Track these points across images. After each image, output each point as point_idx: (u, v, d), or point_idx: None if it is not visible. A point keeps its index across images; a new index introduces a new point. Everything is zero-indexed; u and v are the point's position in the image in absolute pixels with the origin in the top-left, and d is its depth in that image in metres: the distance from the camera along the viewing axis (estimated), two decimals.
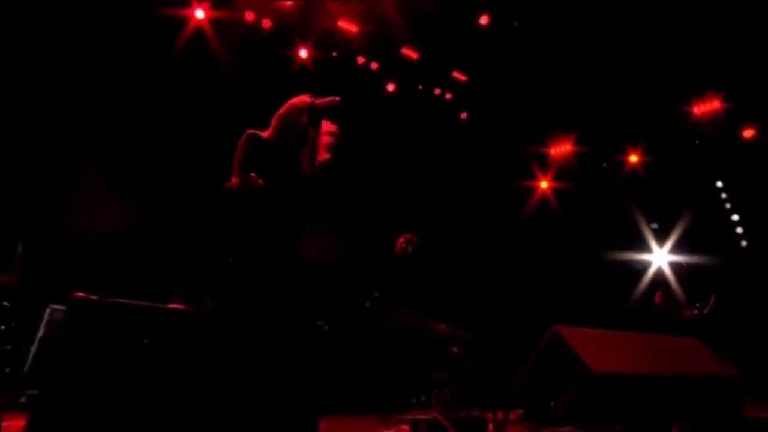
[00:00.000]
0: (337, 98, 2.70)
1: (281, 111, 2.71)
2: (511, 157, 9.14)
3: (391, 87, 8.22)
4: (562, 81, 7.94)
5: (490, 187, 8.77)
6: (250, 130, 2.75)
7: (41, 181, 5.18)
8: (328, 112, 2.67)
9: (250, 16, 7.01)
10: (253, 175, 2.42)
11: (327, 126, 2.68)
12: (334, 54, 7.71)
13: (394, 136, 8.11)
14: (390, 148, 8.04)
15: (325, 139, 2.66)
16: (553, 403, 2.50)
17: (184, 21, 6.55)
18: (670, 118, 8.63)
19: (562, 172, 9.36)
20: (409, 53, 8.05)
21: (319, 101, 2.71)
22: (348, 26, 7.61)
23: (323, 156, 2.69)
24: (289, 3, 7.08)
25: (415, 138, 8.29)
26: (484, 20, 7.39)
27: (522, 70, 7.85)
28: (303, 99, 2.71)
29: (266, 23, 7.14)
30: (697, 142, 8.88)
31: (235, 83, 6.61)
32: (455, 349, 3.21)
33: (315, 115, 2.67)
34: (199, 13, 6.68)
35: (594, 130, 8.82)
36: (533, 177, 9.56)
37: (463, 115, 8.75)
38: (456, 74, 8.29)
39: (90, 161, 5.47)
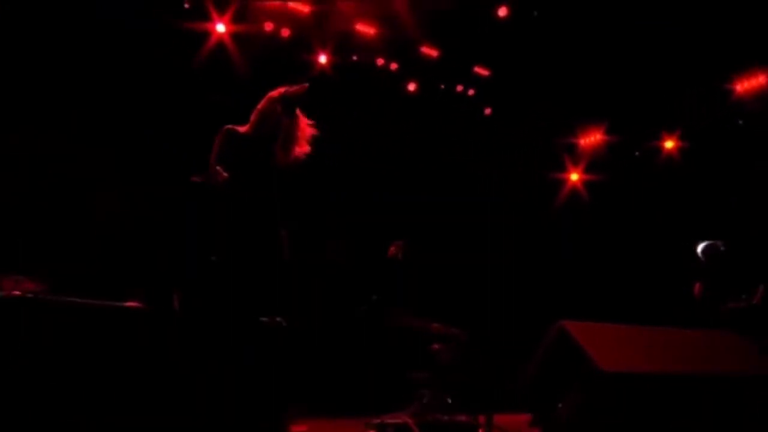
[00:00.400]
0: (307, 84, 2.72)
1: (259, 105, 2.75)
2: (539, 150, 8.93)
3: (412, 86, 8.18)
4: (588, 66, 7.68)
5: (518, 182, 8.58)
6: (227, 126, 2.80)
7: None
8: (301, 99, 2.68)
9: (269, 26, 7.13)
10: (218, 168, 2.44)
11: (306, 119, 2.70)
12: (354, 58, 7.74)
13: (416, 135, 8.06)
14: (412, 147, 8.00)
15: (307, 131, 2.68)
16: (560, 406, 2.36)
17: (206, 35, 6.73)
18: (709, 98, 8.20)
19: (593, 163, 9.07)
20: (429, 52, 7.99)
21: (290, 90, 2.73)
22: (365, 29, 7.63)
23: (304, 148, 2.73)
24: (305, 9, 7.16)
25: (438, 136, 8.22)
26: (502, 12, 7.24)
27: (545, 60, 7.65)
28: (279, 91, 2.74)
29: (285, 32, 7.24)
30: (740, 122, 8.39)
31: (256, 92, 6.72)
32: (436, 347, 3.10)
33: (288, 103, 2.70)
34: (220, 27, 6.85)
35: (626, 116, 8.50)
36: (564, 169, 9.30)
37: (488, 111, 8.60)
38: (478, 69, 8.16)
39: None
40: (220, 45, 6.90)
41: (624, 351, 2.48)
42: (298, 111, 2.79)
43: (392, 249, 3.79)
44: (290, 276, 2.68)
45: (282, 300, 2.58)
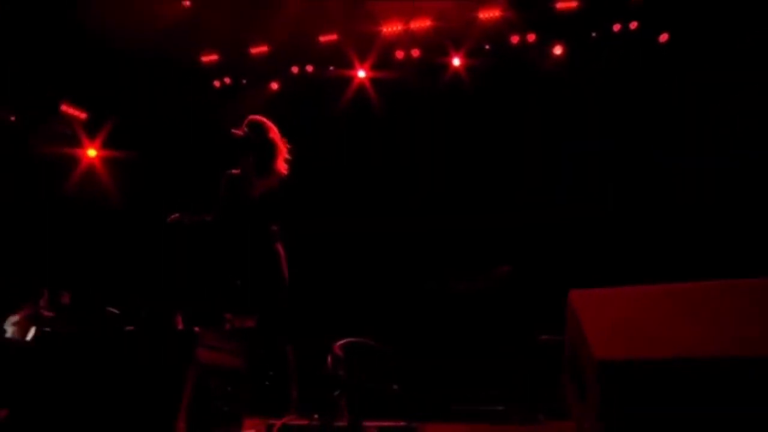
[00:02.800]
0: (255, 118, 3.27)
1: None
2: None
3: (558, 50, 7.63)
4: None
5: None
6: (228, 171, 3.70)
7: None
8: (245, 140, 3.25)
9: (399, 54, 8.08)
10: (176, 215, 3.33)
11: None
12: (487, 47, 7.85)
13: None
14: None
15: (283, 153, 3.26)
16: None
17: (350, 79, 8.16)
18: None
19: None
20: (566, 5, 7.40)
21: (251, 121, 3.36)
22: (490, 13, 7.70)
23: (282, 169, 3.46)
24: (427, 24, 7.81)
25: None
26: None
27: None
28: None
29: (415, 53, 8.04)
30: None
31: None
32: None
33: (237, 141, 3.38)
34: (361, 73, 8.21)
35: None
36: None
37: (663, 37, 7.13)
38: None
39: None
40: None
41: (652, 325, 1.74)
42: (271, 136, 3.37)
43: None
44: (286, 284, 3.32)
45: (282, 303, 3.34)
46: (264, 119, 3.39)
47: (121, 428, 2.40)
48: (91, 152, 8.10)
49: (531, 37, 7.67)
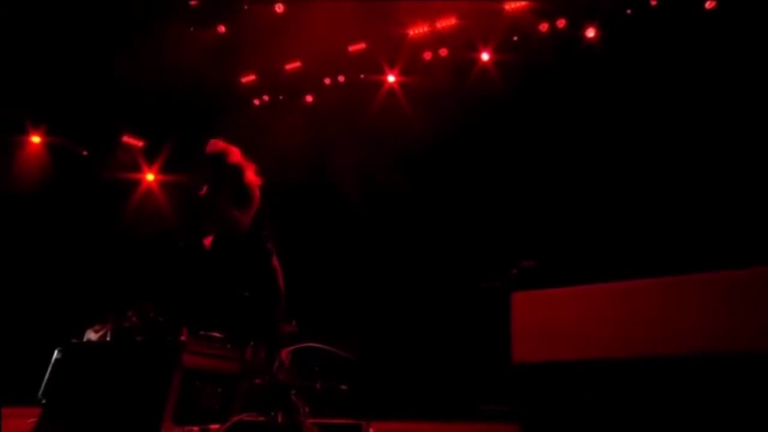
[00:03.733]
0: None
1: None
2: None
3: (591, 33, 7.26)
4: None
5: None
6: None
7: None
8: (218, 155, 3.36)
9: (427, 55, 8.06)
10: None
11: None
12: (515, 38, 7.64)
13: None
14: None
15: (252, 179, 3.33)
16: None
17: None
18: None
19: None
20: None
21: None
22: (516, 4, 7.49)
23: (256, 194, 3.53)
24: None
25: None
26: None
27: None
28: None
29: (443, 52, 7.98)
30: None
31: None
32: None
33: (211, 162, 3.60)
34: (391, 78, 8.28)
35: None
36: None
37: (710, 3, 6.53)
38: None
39: None
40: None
41: (581, 327, 1.79)
42: (234, 161, 3.47)
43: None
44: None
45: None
46: (224, 145, 3.43)
47: (116, 423, 2.70)
48: (150, 176, 8.80)
49: (561, 23, 7.34)
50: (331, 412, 3.29)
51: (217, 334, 3.10)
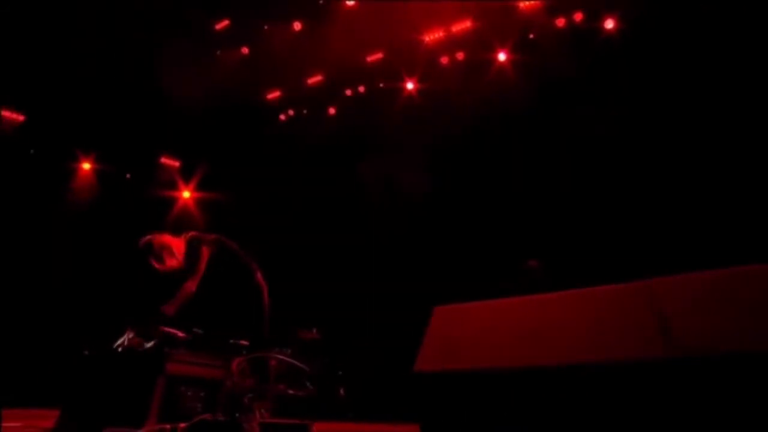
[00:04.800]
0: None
1: None
2: None
3: (610, 24, 7.03)
4: None
5: None
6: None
7: None
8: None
9: (444, 59, 8.07)
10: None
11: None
12: (531, 36, 7.53)
13: None
14: None
15: (177, 249, 3.69)
16: None
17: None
18: None
19: None
20: None
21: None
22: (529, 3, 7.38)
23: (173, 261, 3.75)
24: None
25: None
26: None
27: None
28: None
29: (459, 55, 7.96)
30: None
31: None
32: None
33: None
34: (409, 85, 8.34)
35: None
36: None
37: None
38: None
39: None
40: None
41: (487, 341, 1.81)
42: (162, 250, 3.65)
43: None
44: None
45: None
46: (147, 239, 3.63)
47: (112, 420, 3.01)
48: (186, 194, 9.28)
49: (578, 17, 7.15)
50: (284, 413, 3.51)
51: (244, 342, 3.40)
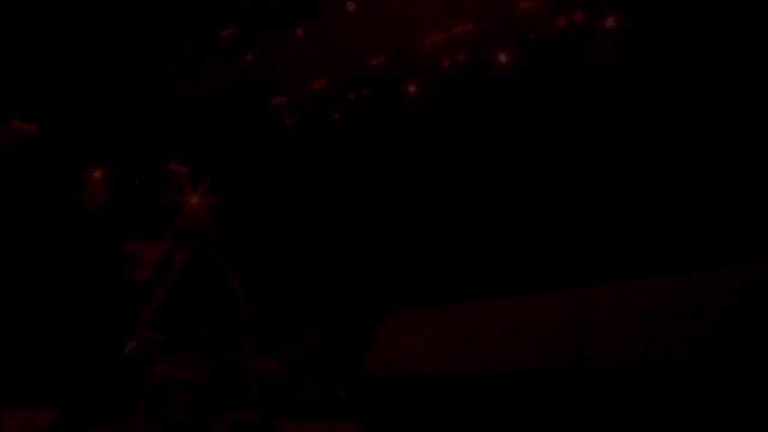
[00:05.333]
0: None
1: None
2: None
3: (610, 22, 7.00)
4: None
5: None
6: None
7: None
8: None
9: (446, 62, 8.09)
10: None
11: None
12: (531, 36, 7.52)
13: None
14: None
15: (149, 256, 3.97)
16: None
17: None
18: None
19: None
20: None
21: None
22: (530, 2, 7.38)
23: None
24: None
25: None
26: None
27: None
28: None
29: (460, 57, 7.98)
30: None
31: None
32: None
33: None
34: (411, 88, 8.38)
35: None
36: None
37: None
38: None
39: None
40: None
41: (437, 346, 2.00)
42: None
43: None
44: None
45: None
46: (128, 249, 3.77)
47: (108, 417, 3.14)
48: (194, 199, 9.43)
49: (578, 16, 7.12)
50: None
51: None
